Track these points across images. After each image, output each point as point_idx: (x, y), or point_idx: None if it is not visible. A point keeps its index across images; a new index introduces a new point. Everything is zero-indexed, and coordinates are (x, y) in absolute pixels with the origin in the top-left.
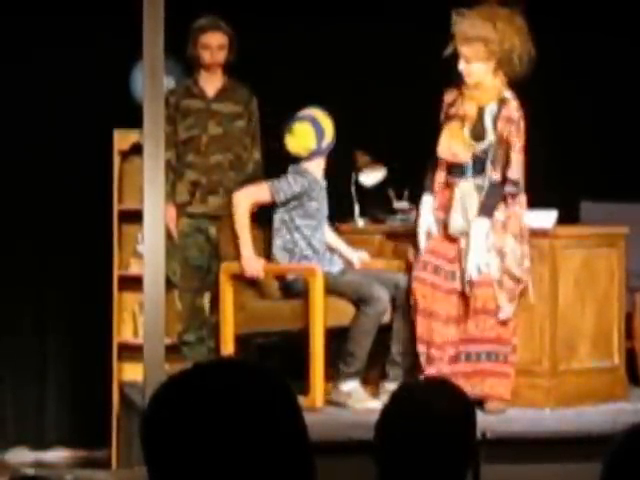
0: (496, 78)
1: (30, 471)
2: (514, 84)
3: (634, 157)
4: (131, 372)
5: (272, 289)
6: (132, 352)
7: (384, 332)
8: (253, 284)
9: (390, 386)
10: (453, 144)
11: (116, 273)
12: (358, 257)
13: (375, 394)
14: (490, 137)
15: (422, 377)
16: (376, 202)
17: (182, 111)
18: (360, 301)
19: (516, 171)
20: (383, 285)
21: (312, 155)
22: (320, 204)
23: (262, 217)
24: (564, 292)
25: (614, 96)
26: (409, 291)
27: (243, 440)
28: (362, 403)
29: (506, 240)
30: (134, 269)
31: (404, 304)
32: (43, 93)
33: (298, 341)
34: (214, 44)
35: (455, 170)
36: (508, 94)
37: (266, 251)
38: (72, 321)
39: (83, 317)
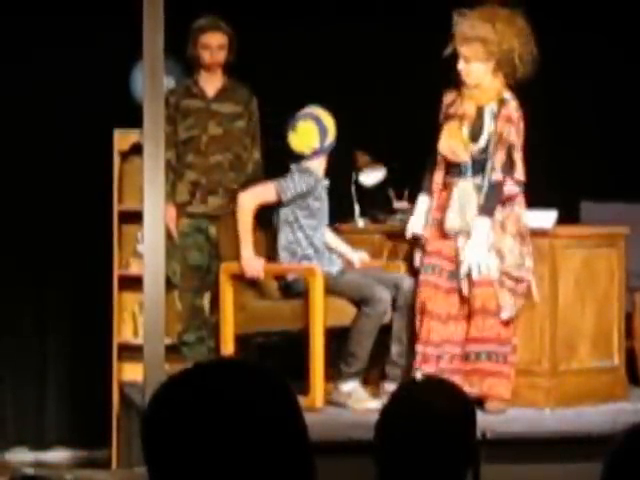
0: (495, 79)
1: (30, 471)
2: (516, 85)
3: (634, 157)
4: (131, 372)
5: (272, 289)
6: (132, 352)
7: (384, 332)
8: (253, 284)
9: (390, 386)
10: (452, 143)
11: (116, 273)
12: (358, 257)
13: (375, 394)
14: (488, 137)
15: (419, 376)
16: (376, 202)
17: (182, 111)
18: (362, 302)
19: (520, 171)
20: (384, 285)
21: (315, 154)
22: (321, 204)
23: (262, 217)
24: (564, 292)
25: (614, 96)
26: (414, 294)
27: (243, 440)
28: (362, 403)
29: (505, 240)
30: (134, 269)
31: (404, 304)
32: (43, 93)
33: (298, 341)
34: (214, 44)
35: (454, 170)
36: (507, 94)
37: (267, 251)
38: (72, 321)
39: (83, 317)
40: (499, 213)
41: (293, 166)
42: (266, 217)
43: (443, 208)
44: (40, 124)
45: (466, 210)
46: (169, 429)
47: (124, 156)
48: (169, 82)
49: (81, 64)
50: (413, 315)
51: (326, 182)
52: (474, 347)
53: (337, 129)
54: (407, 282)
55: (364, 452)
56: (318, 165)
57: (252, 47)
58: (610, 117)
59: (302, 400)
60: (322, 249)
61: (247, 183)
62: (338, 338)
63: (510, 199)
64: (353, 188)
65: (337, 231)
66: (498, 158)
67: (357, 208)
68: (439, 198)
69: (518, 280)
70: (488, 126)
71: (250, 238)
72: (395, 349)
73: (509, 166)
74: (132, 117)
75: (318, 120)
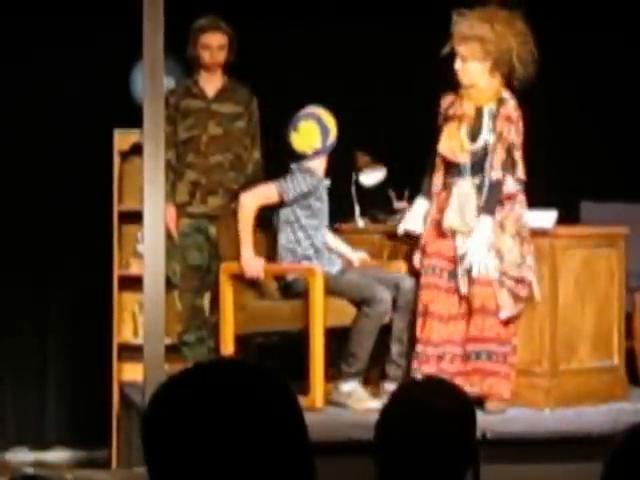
0: (493, 79)
1: (30, 471)
2: (518, 86)
3: (634, 157)
4: (131, 372)
5: (272, 289)
6: (132, 352)
7: (384, 332)
8: (253, 284)
9: (390, 386)
10: (452, 144)
11: (116, 273)
12: (358, 257)
13: (375, 394)
14: (486, 137)
15: (419, 376)
16: (376, 202)
17: (182, 111)
18: (362, 302)
19: (521, 170)
20: (384, 286)
21: (316, 154)
22: (322, 204)
23: (262, 217)
24: (564, 292)
25: (614, 96)
26: (415, 296)
27: (243, 440)
28: (362, 403)
29: (504, 240)
30: (134, 269)
31: (405, 304)
32: (43, 93)
33: (298, 341)
34: (214, 44)
35: (453, 170)
36: (506, 94)
37: (267, 251)
38: (72, 321)
39: (83, 317)
40: (498, 213)
41: (294, 166)
42: (266, 217)
43: (442, 209)
44: (40, 124)
45: (465, 210)
46: (169, 429)
47: (124, 156)
48: (169, 82)
49: (81, 64)
50: (413, 315)
51: (327, 182)
52: (474, 347)
53: (337, 129)
54: (408, 282)
55: (364, 452)
56: (319, 165)
57: (252, 47)
58: (610, 117)
59: (302, 400)
60: (322, 249)
61: (247, 183)
62: (338, 338)
63: (510, 198)
64: (353, 188)
65: (337, 231)
66: (498, 157)
67: (357, 208)
68: (438, 199)
69: (518, 280)
70: (487, 126)
71: (250, 238)
72: (395, 349)
73: (510, 165)
74: (132, 117)
75: (319, 120)
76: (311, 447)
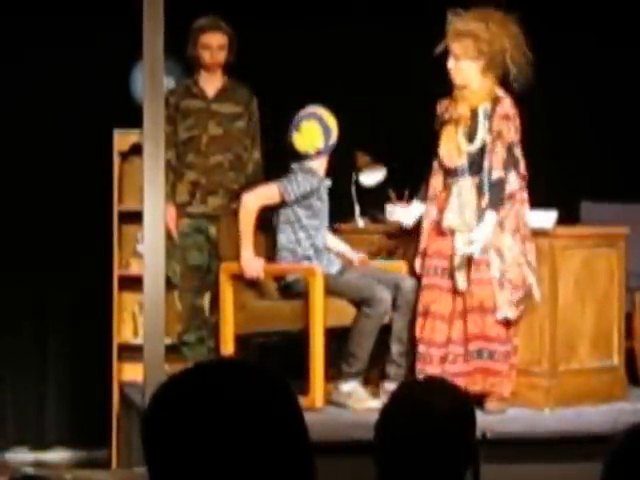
0: (486, 79)
1: (30, 471)
2: (515, 89)
3: (634, 157)
4: (131, 372)
5: (272, 289)
6: (132, 352)
7: (384, 332)
8: (253, 284)
9: (390, 386)
10: (449, 148)
11: (116, 273)
12: (358, 257)
13: (375, 394)
14: (483, 137)
15: (422, 377)
16: (376, 202)
17: (182, 111)
18: (362, 303)
19: (523, 166)
20: (384, 286)
21: (318, 154)
22: (323, 204)
23: (261, 217)
24: (564, 292)
25: (614, 96)
26: (417, 296)
27: (243, 440)
28: (362, 403)
29: (504, 239)
30: (134, 269)
31: (405, 304)
32: (43, 93)
33: (298, 341)
34: (214, 44)
35: (452, 172)
36: (501, 92)
37: (267, 251)
38: (72, 321)
39: (83, 317)
40: (496, 216)
41: (295, 166)
42: (266, 217)
43: (442, 209)
44: (40, 124)
45: (465, 210)
46: (169, 429)
47: (124, 156)
48: (169, 82)
49: (81, 64)
50: (414, 315)
51: (328, 182)
52: (475, 345)
53: (338, 129)
54: (407, 282)
55: (364, 452)
56: (320, 165)
57: (252, 47)
58: (610, 117)
59: (302, 400)
60: (322, 250)
61: (247, 183)
62: (338, 338)
63: (511, 197)
64: (353, 188)
65: (337, 231)
66: (498, 157)
67: (357, 208)
68: (438, 200)
69: (518, 279)
70: (483, 126)
71: (251, 239)
72: (395, 348)
73: (512, 163)
74: (132, 117)
75: (321, 120)
76: (311, 447)
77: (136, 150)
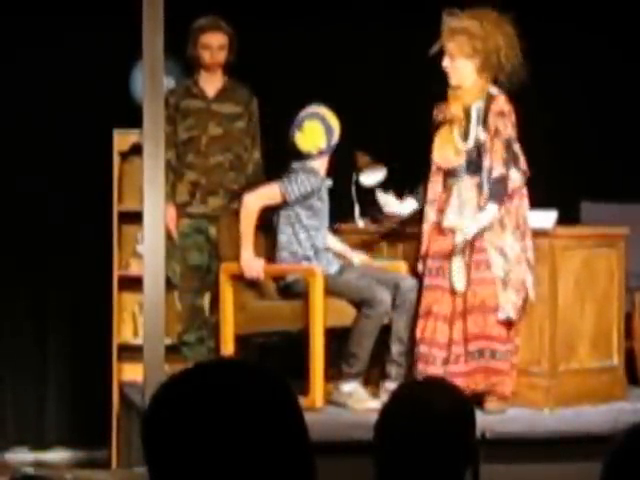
0: (480, 79)
1: (30, 471)
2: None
3: (634, 157)
4: (131, 372)
5: (272, 289)
6: (132, 352)
7: (384, 332)
8: (253, 284)
9: (390, 386)
10: (446, 149)
11: (116, 273)
12: (359, 258)
13: (375, 394)
14: (477, 135)
15: (423, 377)
16: (376, 202)
17: (182, 111)
18: (362, 303)
19: (524, 162)
20: (384, 286)
21: (320, 153)
22: (323, 204)
23: (261, 217)
24: (564, 292)
25: (614, 96)
26: (418, 297)
27: (243, 440)
28: (362, 403)
29: (505, 238)
30: (134, 269)
31: (405, 304)
32: (43, 93)
33: (298, 341)
34: (214, 44)
35: (451, 173)
36: (493, 89)
37: (267, 252)
38: (72, 321)
39: (83, 317)
40: (497, 211)
41: (297, 166)
42: (266, 217)
43: (442, 210)
44: (40, 124)
45: (465, 209)
46: (169, 429)
47: (124, 156)
48: (169, 82)
49: (81, 64)
50: (414, 315)
51: (329, 182)
52: (476, 345)
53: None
54: (407, 282)
55: (364, 452)
56: (321, 165)
57: (252, 47)
58: (610, 117)
59: (302, 400)
60: (322, 250)
61: (248, 184)
62: (338, 338)
63: (510, 196)
64: (353, 188)
65: (337, 231)
66: (497, 154)
67: (357, 208)
68: (439, 201)
69: (521, 279)
70: (476, 124)
71: (251, 239)
72: (395, 348)
73: (512, 159)
74: (132, 117)
75: (324, 120)
76: (311, 447)
77: (136, 150)
